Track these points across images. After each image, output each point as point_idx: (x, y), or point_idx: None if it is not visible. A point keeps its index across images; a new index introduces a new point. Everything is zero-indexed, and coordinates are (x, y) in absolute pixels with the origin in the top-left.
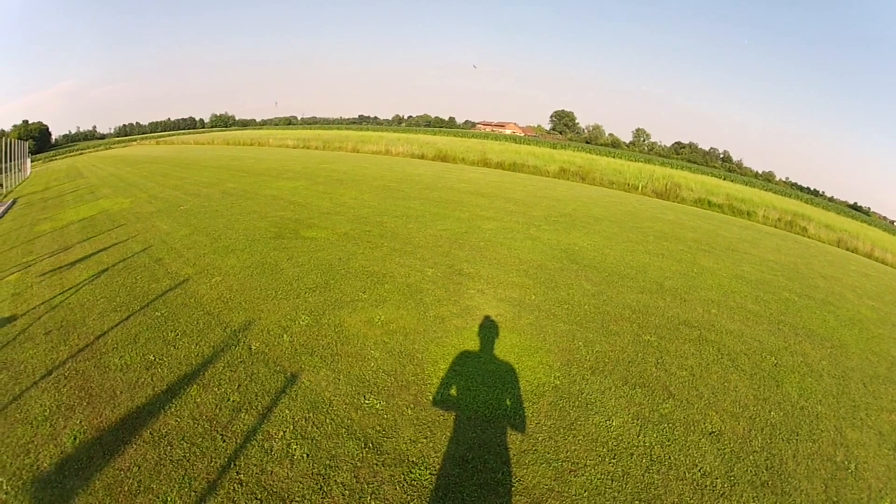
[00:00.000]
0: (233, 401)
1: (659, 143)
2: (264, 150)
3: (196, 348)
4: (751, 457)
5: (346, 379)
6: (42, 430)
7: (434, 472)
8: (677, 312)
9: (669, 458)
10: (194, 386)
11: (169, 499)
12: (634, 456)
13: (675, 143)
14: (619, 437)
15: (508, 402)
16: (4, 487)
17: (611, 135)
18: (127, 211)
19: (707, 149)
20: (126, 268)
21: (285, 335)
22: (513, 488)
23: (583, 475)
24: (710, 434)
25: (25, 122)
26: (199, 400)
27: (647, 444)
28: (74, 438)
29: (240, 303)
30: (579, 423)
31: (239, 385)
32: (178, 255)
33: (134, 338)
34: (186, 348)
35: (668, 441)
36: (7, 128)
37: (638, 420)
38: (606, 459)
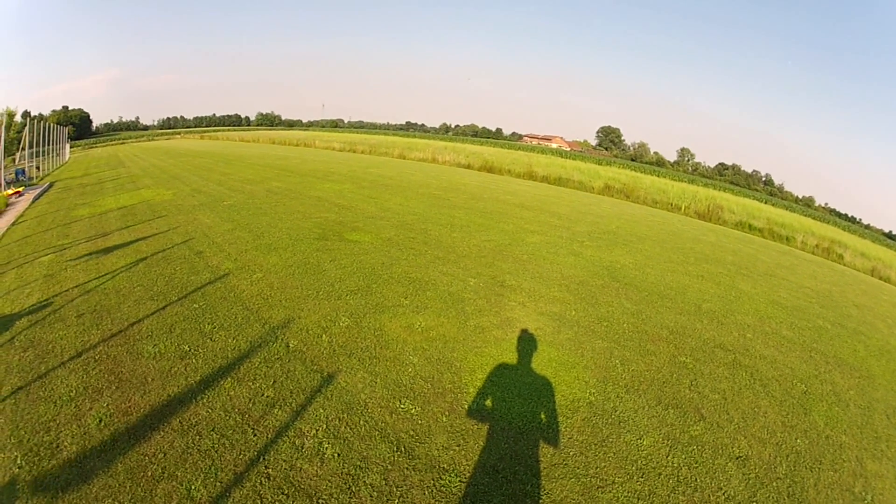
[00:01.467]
0: (267, 396)
1: (703, 164)
2: (310, 152)
3: (233, 342)
4: (774, 483)
5: (383, 382)
6: (66, 410)
7: (464, 480)
8: (714, 335)
9: (696, 480)
10: (228, 379)
11: (193, 487)
12: (662, 476)
13: (719, 164)
14: (649, 457)
15: (543, 416)
16: (19, 462)
17: (656, 153)
18: (169, 202)
19: (750, 171)
20: (165, 258)
21: (324, 335)
22: (540, 501)
23: (610, 492)
24: (737, 459)
25: (65, 108)
26: (232, 393)
27: (675, 465)
28: (100, 421)
29: (280, 300)
30: (611, 440)
31: (274, 381)
32: (219, 250)
33: (170, 327)
34: (223, 341)
35: (696, 463)
36: (46, 112)
37: (668, 440)
38: (634, 478)
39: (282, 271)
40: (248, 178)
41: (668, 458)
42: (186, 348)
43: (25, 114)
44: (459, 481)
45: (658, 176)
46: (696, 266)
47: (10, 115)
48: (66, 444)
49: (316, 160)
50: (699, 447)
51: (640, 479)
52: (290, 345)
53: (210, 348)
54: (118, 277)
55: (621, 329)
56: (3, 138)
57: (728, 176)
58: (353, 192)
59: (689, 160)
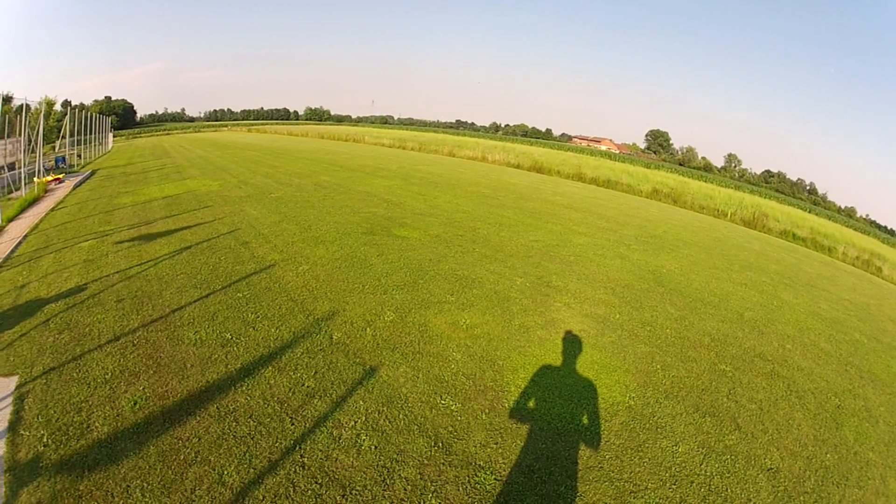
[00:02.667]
0: (307, 386)
1: (749, 171)
2: (359, 147)
3: (276, 332)
4: (801, 497)
5: (425, 378)
6: (100, 391)
7: (499, 479)
8: (754, 344)
9: (727, 489)
10: (269, 368)
11: (226, 472)
12: (694, 484)
13: (765, 171)
14: (683, 464)
15: (582, 418)
16: (45, 440)
17: (703, 158)
18: (215, 193)
19: (795, 179)
20: (210, 248)
21: (369, 329)
22: (573, 503)
23: (642, 498)
24: (769, 470)
25: (108, 98)
26: (272, 382)
27: (708, 474)
28: (134, 404)
29: (325, 293)
30: (647, 445)
31: (315, 372)
32: (265, 241)
33: (212, 315)
34: (266, 331)
35: (729, 473)
36: (88, 102)
37: (703, 448)
38: (667, 484)
39: (328, 264)
40: (297, 171)
41: (702, 466)
42: (228, 336)
43: (66, 103)
44: (495, 479)
45: (705, 181)
46: (739, 273)
47: (50, 104)
48: (97, 424)
49: (365, 156)
50: (733, 457)
51: (673, 487)
52: (334, 337)
53: (252, 337)
54: (161, 265)
55: (664, 334)
56: (41, 126)
57: (774, 184)
58: (402, 189)
59: (735, 166)
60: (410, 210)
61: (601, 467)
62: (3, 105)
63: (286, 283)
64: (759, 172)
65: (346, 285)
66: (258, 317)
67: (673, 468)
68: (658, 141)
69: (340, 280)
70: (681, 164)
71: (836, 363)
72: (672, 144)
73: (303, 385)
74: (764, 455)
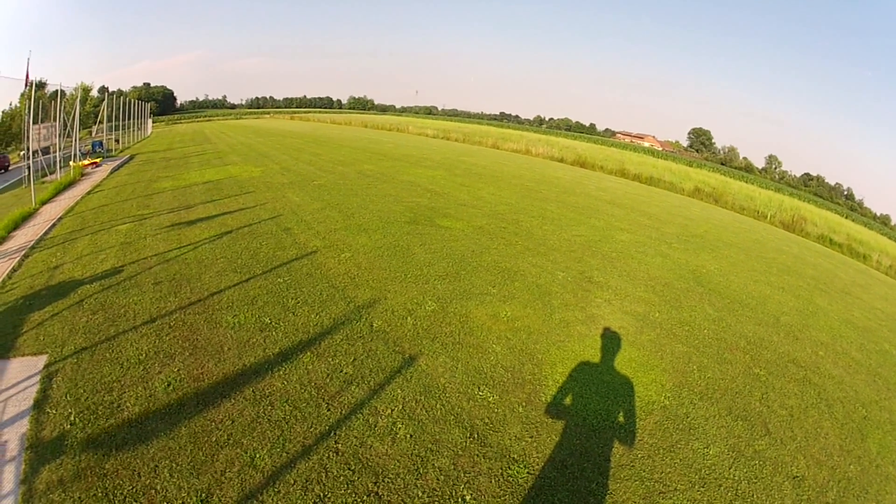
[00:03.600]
0: (345, 373)
1: (789, 173)
2: (403, 137)
3: (316, 318)
4: None
5: (464, 368)
6: (133, 372)
7: (532, 472)
8: (788, 350)
9: (753, 495)
10: (308, 353)
11: (258, 455)
12: (722, 488)
13: (805, 174)
14: (713, 467)
15: (618, 416)
16: (72, 419)
17: (744, 158)
18: (257, 179)
19: (833, 184)
20: (251, 233)
21: (409, 318)
22: (603, 500)
23: (670, 499)
24: (794, 478)
25: (147, 84)
26: (310, 367)
27: (736, 478)
28: (168, 385)
29: (367, 281)
30: (679, 446)
31: (354, 359)
32: (307, 228)
33: (251, 300)
34: (305, 316)
35: (756, 478)
36: (126, 88)
37: (733, 452)
38: (696, 487)
39: (371, 252)
40: (340, 159)
41: (731, 470)
42: (267, 321)
43: (102, 89)
44: (528, 473)
45: (746, 182)
46: (777, 277)
47: (86, 90)
48: (128, 404)
49: (409, 145)
50: (761, 462)
51: (701, 489)
52: (374, 325)
53: (291, 322)
54: (200, 248)
55: (702, 335)
56: (77, 111)
57: (812, 187)
58: (445, 179)
59: (776, 168)
60: (454, 201)
61: (633, 466)
62: (36, 91)
63: (328, 270)
64: (798, 175)
65: (387, 274)
66: (298, 302)
67: (703, 471)
68: (700, 139)
69: (382, 268)
70: (722, 164)
71: (866, 373)
72: (714, 143)
73: (341, 371)
74: (791, 462)
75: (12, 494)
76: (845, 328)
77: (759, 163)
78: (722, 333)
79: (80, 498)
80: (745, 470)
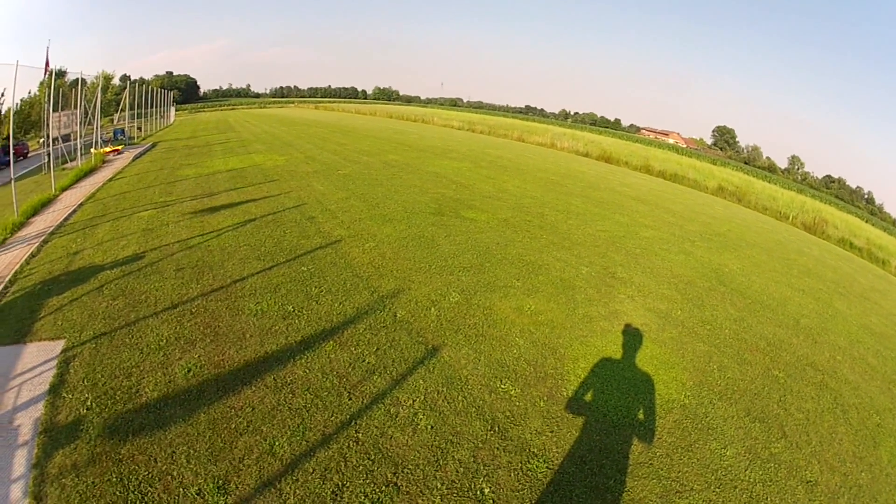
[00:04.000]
0: (368, 362)
1: (811, 174)
2: (428, 128)
3: (339, 307)
4: None
5: (487, 361)
6: (152, 357)
7: (551, 467)
8: (807, 353)
9: (767, 498)
10: (330, 342)
11: (277, 443)
12: (737, 489)
13: (826, 176)
14: (729, 468)
15: (637, 413)
16: (89, 403)
17: (768, 158)
18: (281, 168)
19: (854, 187)
20: (275, 221)
21: (433, 308)
22: (620, 498)
23: (686, 498)
24: (808, 483)
25: (169, 73)
26: (332, 356)
27: (751, 480)
28: (188, 371)
29: (391, 271)
30: (697, 446)
31: (377, 349)
32: (332, 217)
33: (274, 287)
34: (329, 305)
35: (771, 481)
36: (148, 77)
37: (749, 454)
38: (711, 487)
39: (395, 242)
40: (365, 149)
41: (747, 472)
42: (290, 308)
43: (124, 77)
44: (546, 467)
45: (769, 182)
46: (798, 279)
47: (107, 79)
48: (146, 390)
49: (434, 137)
50: (776, 465)
51: (717, 490)
52: (398, 315)
53: (315, 311)
54: (224, 236)
55: (723, 334)
56: (98, 99)
57: (834, 189)
58: (470, 171)
59: (798, 168)
60: (479, 193)
61: (651, 464)
62: (56, 79)
63: (352, 259)
64: (820, 177)
65: (412, 264)
66: (322, 291)
67: (719, 471)
68: (724, 138)
69: (407, 259)
70: (746, 163)
71: (881, 380)
72: (738, 142)
73: (363, 361)
74: (805, 467)
75: (23, 479)
76: (863, 333)
77: (782, 163)
78: (743, 334)
79: (93, 483)
80: (760, 472)
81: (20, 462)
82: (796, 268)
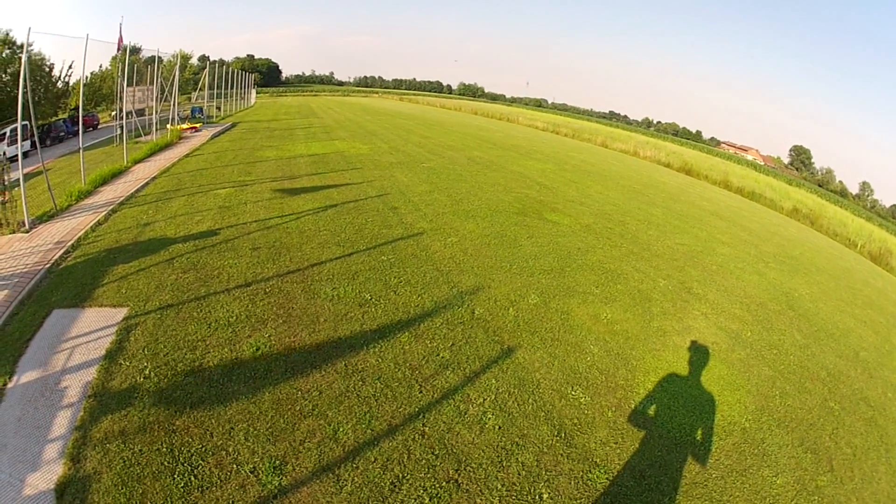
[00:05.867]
0: (442, 357)
1: (880, 202)
2: (512, 127)
3: (417, 299)
4: None
5: (560, 366)
6: (220, 333)
7: (610, 479)
8: (862, 387)
9: None
10: (406, 334)
11: (341, 429)
12: None
13: (893, 205)
14: (777, 497)
15: (699, 432)
16: (147, 372)
17: (840, 182)
18: (365, 156)
19: None
20: (357, 209)
21: (511, 309)
22: None
23: None
24: None
25: (250, 56)
26: (407, 348)
27: None
28: (256, 349)
29: (472, 267)
30: (751, 471)
31: (452, 344)
32: (414, 209)
33: (353, 274)
34: (407, 296)
35: None
36: (229, 59)
37: (797, 485)
38: None
39: (477, 239)
40: (449, 144)
41: (793, 502)
42: (367, 296)
43: (203, 58)
44: (606, 478)
45: (840, 207)
46: (861, 310)
47: (185, 58)
48: (210, 364)
49: (518, 136)
50: (819, 499)
51: None
52: (476, 312)
53: (392, 301)
54: (303, 219)
55: (787, 360)
56: (176, 77)
57: None
58: (554, 173)
59: (868, 195)
60: (562, 196)
61: (706, 485)
62: (130, 55)
63: (433, 253)
64: (888, 206)
65: (493, 262)
66: (401, 282)
67: (768, 499)
68: (801, 157)
69: (488, 257)
70: (819, 185)
71: None
72: (813, 163)
73: (437, 355)
74: (845, 503)
75: (62, 440)
76: None
77: (853, 187)
78: (806, 361)
79: (140, 451)
80: None
81: (61, 423)
82: (861, 298)
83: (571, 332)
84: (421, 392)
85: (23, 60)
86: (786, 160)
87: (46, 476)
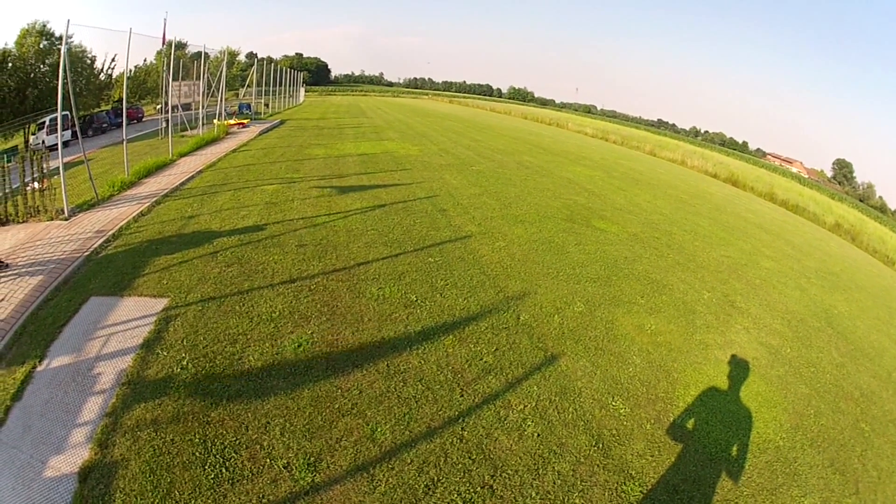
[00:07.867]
0: (485, 361)
1: None
2: (561, 133)
3: (463, 302)
4: None
5: (602, 376)
6: (262, 328)
7: (644, 492)
8: (893, 408)
9: None
10: (450, 336)
11: (379, 429)
12: None
13: None
14: None
15: (734, 449)
16: (184, 363)
17: (880, 197)
18: (414, 158)
19: None
20: (405, 209)
21: (557, 316)
22: None
23: None
24: None
25: (299, 54)
26: (450, 351)
27: None
28: (298, 346)
29: (519, 272)
30: (781, 490)
31: (496, 349)
32: (463, 211)
33: (399, 275)
34: (453, 299)
35: None
36: (277, 56)
37: None
38: None
39: (525, 244)
40: (499, 148)
41: None
42: (413, 298)
43: (251, 55)
44: (640, 491)
45: (880, 223)
46: None
47: (232, 54)
48: (251, 358)
49: (567, 142)
50: None
51: None
52: (521, 318)
53: (438, 303)
54: (351, 218)
55: (824, 379)
56: (224, 73)
57: None
58: (603, 181)
59: None
60: (610, 204)
61: (736, 502)
62: (175, 50)
63: (481, 257)
64: None
65: (540, 268)
66: (447, 284)
67: None
68: (843, 171)
69: (535, 262)
70: (860, 200)
71: None
72: (855, 177)
73: (481, 359)
74: None
75: (90, 425)
76: None
77: (892, 203)
78: (841, 381)
79: (172, 440)
80: None
81: (91, 409)
82: None
83: (615, 342)
84: (462, 396)
85: (62, 52)
86: (829, 173)
87: (70, 459)
